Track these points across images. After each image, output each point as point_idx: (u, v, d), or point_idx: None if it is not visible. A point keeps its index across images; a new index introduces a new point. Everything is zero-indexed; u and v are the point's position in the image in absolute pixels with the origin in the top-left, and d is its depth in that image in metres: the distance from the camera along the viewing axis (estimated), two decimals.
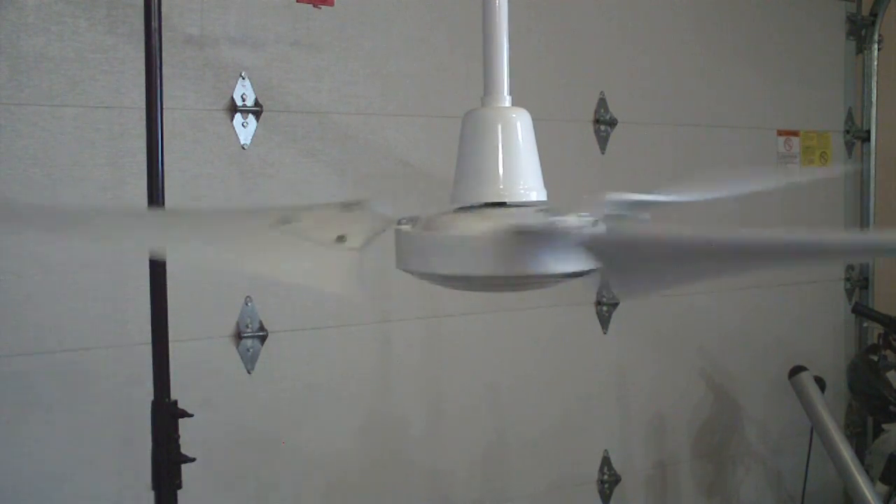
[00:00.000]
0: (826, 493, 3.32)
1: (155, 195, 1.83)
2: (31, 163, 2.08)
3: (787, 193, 3.32)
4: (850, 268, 3.54)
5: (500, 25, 0.99)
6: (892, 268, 3.54)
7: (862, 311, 3.25)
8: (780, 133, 3.32)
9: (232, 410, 2.31)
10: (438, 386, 2.65)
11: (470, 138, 0.99)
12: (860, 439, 3.52)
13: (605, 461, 2.97)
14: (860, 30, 3.50)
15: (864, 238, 0.77)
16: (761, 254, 0.79)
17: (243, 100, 2.29)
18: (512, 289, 0.98)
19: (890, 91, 3.52)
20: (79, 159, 2.12)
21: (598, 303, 2.93)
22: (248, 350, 2.33)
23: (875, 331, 3.15)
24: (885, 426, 2.95)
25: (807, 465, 3.00)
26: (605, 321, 2.94)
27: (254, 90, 2.31)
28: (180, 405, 1.81)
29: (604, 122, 2.90)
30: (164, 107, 1.83)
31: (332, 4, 2.25)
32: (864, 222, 3.51)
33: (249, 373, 2.34)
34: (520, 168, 0.97)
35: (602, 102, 2.89)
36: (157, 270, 1.82)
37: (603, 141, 2.89)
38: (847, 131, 3.50)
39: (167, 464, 1.76)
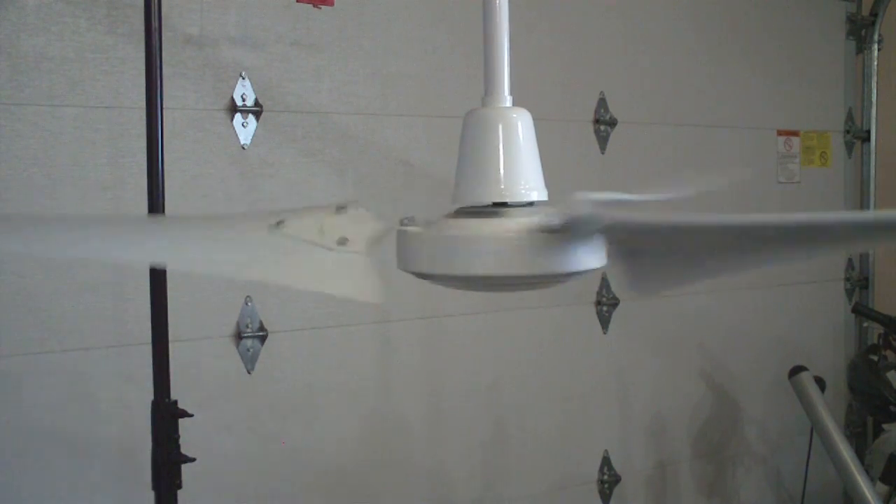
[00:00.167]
0: (826, 493, 3.32)
1: (155, 195, 1.83)
2: (31, 163, 2.08)
3: (786, 194, 3.32)
4: (850, 268, 3.54)
5: (501, 25, 0.98)
6: (892, 268, 3.54)
7: (862, 311, 3.25)
8: (780, 133, 3.32)
9: (232, 410, 2.31)
10: (438, 386, 2.65)
11: (471, 138, 0.99)
12: (860, 439, 3.52)
13: (605, 461, 2.97)
14: (860, 30, 3.50)
15: (879, 217, 0.76)
16: (781, 237, 0.78)
17: (243, 100, 2.29)
18: (512, 289, 0.98)
19: (890, 91, 3.52)
20: (79, 159, 2.12)
21: (598, 303, 2.93)
22: (248, 350, 2.33)
23: (875, 331, 3.15)
24: (885, 426, 2.95)
25: (807, 465, 3.00)
26: (605, 321, 2.94)
27: (254, 90, 2.30)
28: (180, 405, 1.81)
29: (604, 122, 2.90)
30: (164, 107, 1.83)
31: (332, 4, 2.25)
32: None
33: (249, 373, 2.33)
34: (521, 168, 0.97)
35: (602, 102, 2.89)
36: (158, 271, 1.82)
37: (603, 141, 2.89)
38: (847, 131, 3.50)
39: (167, 464, 1.76)
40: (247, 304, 2.32)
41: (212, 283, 2.26)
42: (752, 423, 3.31)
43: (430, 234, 0.94)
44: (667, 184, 0.89)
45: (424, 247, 0.94)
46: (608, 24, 2.91)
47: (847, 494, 3.01)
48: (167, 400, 1.80)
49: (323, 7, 2.30)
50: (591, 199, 0.87)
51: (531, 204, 0.97)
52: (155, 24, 1.80)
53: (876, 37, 3.49)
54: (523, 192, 0.97)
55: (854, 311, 3.36)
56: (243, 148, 2.30)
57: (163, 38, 1.83)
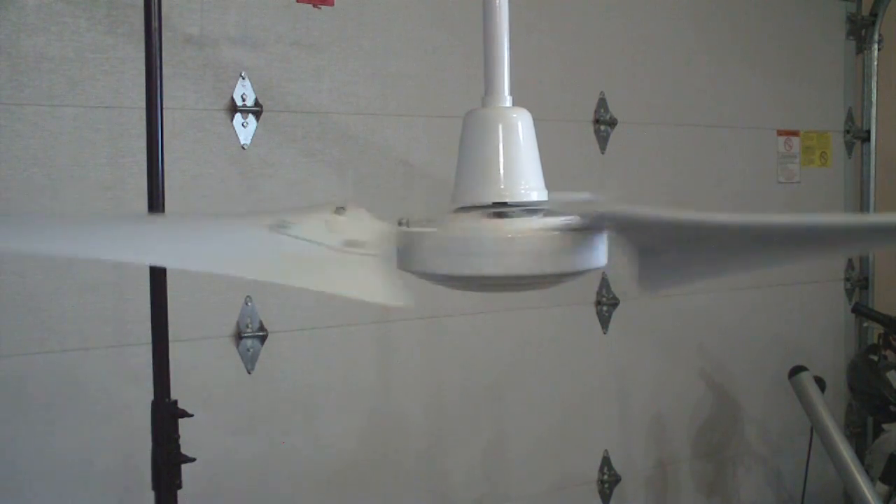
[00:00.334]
0: (826, 493, 3.32)
1: (155, 195, 1.83)
2: (31, 163, 2.08)
3: (786, 194, 3.32)
4: (850, 268, 3.54)
5: (501, 25, 0.98)
6: (892, 268, 3.54)
7: (862, 311, 3.25)
8: (780, 133, 3.32)
9: (232, 410, 2.31)
10: (439, 386, 2.65)
11: (471, 138, 0.99)
12: (860, 439, 3.52)
13: (605, 461, 2.97)
14: (860, 30, 3.50)
15: (880, 220, 0.76)
16: (791, 238, 0.78)
17: (243, 100, 2.29)
18: (512, 289, 0.98)
19: (890, 91, 3.52)
20: (79, 159, 2.12)
21: (598, 303, 2.93)
22: (248, 350, 2.33)
23: (875, 331, 3.15)
24: (885, 426, 2.95)
25: (807, 465, 3.00)
26: (605, 321, 2.94)
27: (254, 90, 2.30)
28: (180, 405, 1.81)
29: (604, 122, 2.90)
30: (164, 107, 1.83)
31: (332, 4, 2.25)
32: None
33: (249, 373, 2.33)
34: (521, 168, 0.97)
35: (602, 102, 2.89)
36: (158, 270, 1.82)
37: (603, 141, 2.89)
38: (847, 131, 3.50)
39: (167, 464, 1.76)
40: (247, 304, 2.32)
41: (212, 283, 2.26)
42: (752, 423, 3.31)
43: (430, 234, 0.94)
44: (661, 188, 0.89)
45: (424, 247, 0.94)
46: (608, 24, 2.91)
47: (847, 494, 3.01)
48: (167, 400, 1.80)
49: (323, 7, 2.30)
50: (593, 199, 0.87)
51: (531, 204, 0.97)
52: (155, 24, 1.80)
53: (876, 37, 3.49)
54: (523, 192, 0.97)
55: (854, 311, 3.36)
56: (243, 148, 2.30)
57: (163, 38, 1.83)
